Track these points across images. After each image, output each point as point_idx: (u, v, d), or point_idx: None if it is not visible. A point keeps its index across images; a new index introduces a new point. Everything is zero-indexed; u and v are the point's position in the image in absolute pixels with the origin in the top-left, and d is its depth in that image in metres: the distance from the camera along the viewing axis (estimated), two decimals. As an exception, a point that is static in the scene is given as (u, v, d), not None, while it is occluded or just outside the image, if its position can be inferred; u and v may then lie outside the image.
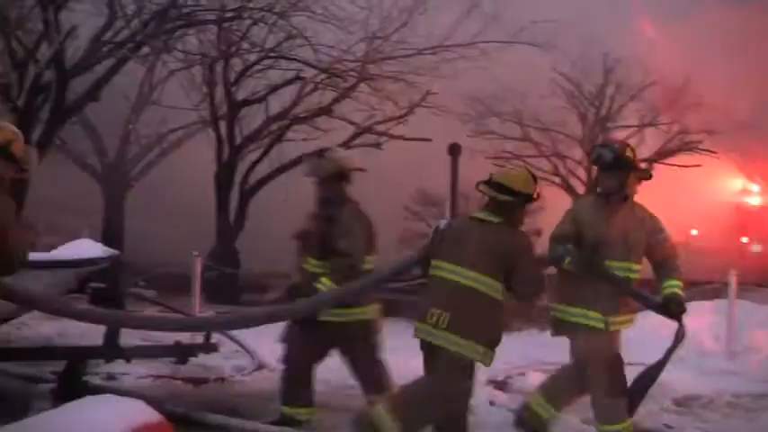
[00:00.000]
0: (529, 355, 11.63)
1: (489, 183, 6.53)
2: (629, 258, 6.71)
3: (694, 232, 26.58)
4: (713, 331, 12.01)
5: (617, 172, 6.76)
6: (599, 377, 6.65)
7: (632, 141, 27.45)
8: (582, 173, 28.43)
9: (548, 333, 13.46)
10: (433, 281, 6.48)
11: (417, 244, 19.37)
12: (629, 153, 6.89)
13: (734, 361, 11.10)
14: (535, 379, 10.13)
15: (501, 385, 9.78)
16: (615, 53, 26.80)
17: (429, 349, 6.38)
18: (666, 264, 6.74)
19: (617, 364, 6.73)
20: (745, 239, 28.04)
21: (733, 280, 12.05)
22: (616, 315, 6.69)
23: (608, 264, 6.63)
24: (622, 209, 6.80)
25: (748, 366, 10.91)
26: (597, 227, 6.75)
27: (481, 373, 10.21)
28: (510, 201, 6.45)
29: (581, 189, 28.12)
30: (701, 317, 11.96)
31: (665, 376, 9.91)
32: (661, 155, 26.86)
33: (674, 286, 6.61)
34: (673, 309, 6.61)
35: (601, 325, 6.62)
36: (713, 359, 11.32)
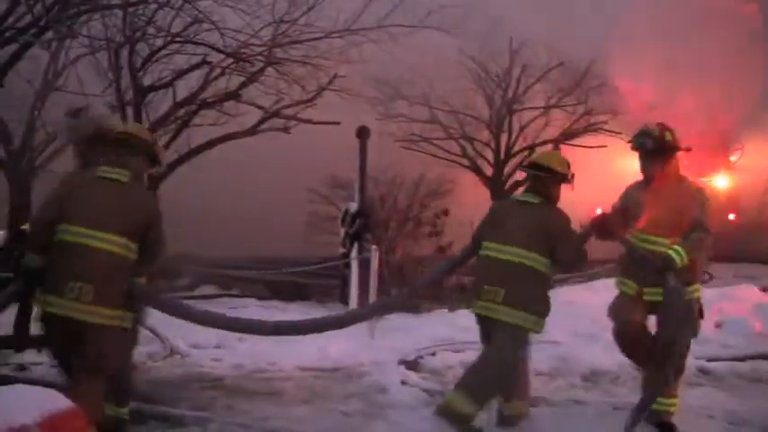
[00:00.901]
0: (439, 336, 11.84)
1: (529, 165, 7.37)
2: (673, 235, 7.02)
3: (599, 211, 27.12)
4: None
5: (659, 157, 7.22)
6: None
7: (538, 123, 28.12)
8: (489, 154, 28.79)
9: (457, 313, 13.81)
10: (483, 260, 7.09)
11: (325, 227, 19.61)
12: (668, 137, 7.27)
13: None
14: (445, 358, 10.37)
15: (412, 365, 9.95)
16: (521, 35, 27.15)
17: (488, 323, 7.01)
18: (688, 234, 7.05)
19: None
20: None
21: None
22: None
23: (655, 240, 7.08)
24: (668, 189, 7.16)
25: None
26: (641, 208, 7.26)
27: (392, 353, 10.47)
28: (547, 177, 7.12)
29: (488, 170, 28.50)
30: (609, 293, 12.29)
31: (572, 351, 10.24)
32: (567, 136, 27.36)
33: (672, 249, 6.96)
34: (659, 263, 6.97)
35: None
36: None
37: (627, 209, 7.37)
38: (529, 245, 6.90)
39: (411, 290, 7.84)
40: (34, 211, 22.50)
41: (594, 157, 24.45)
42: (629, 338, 7.25)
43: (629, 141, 7.45)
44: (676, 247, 6.89)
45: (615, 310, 7.37)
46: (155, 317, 11.99)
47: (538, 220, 6.98)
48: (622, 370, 9.44)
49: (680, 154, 7.31)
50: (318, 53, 20.76)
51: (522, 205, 7.19)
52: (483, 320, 7.07)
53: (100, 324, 5.98)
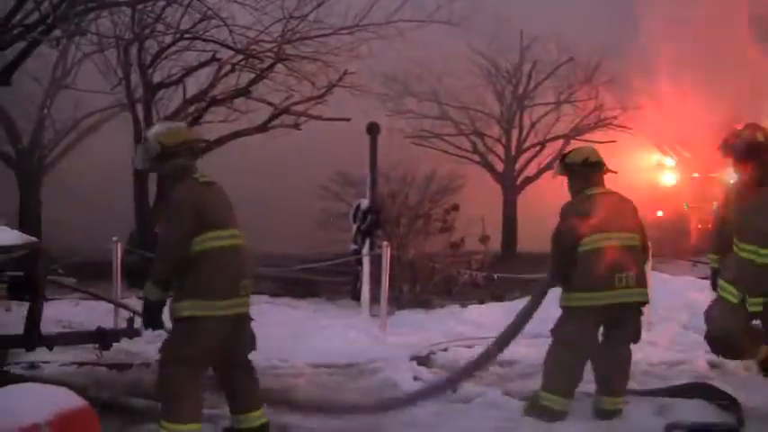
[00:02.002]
0: (450, 332, 11.79)
1: (598, 163, 7.43)
2: (757, 242, 7.03)
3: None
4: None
5: (751, 160, 7.17)
6: None
7: (549, 118, 28.06)
8: (500, 150, 28.75)
9: (469, 309, 13.75)
10: (598, 252, 7.07)
11: (336, 224, 19.53)
12: (760, 138, 7.20)
13: (650, 332, 11.38)
14: (457, 354, 10.31)
15: (424, 361, 9.89)
16: (531, 31, 27.09)
17: (619, 310, 7.11)
18: None
19: None
20: (660, 213, 28.58)
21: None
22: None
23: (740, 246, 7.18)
24: (760, 193, 7.09)
25: (663, 336, 11.18)
26: (734, 213, 7.35)
27: (404, 349, 10.42)
28: (603, 170, 7.45)
29: (500, 166, 28.45)
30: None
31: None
32: (577, 131, 27.29)
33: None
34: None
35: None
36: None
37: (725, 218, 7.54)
38: (634, 227, 7.31)
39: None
40: (42, 209, 22.60)
41: (605, 152, 24.35)
42: (724, 346, 7.49)
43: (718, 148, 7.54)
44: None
45: (713, 317, 7.48)
46: (165, 315, 12.01)
47: (628, 204, 7.43)
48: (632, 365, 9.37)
49: None
50: (328, 49, 20.73)
51: (609, 194, 7.38)
52: (609, 310, 7.07)
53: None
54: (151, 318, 6.34)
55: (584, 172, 7.38)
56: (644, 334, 11.29)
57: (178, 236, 6.14)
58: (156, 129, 6.64)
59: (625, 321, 7.21)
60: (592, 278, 7.00)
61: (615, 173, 7.59)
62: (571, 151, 7.84)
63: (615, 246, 7.10)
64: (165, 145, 6.40)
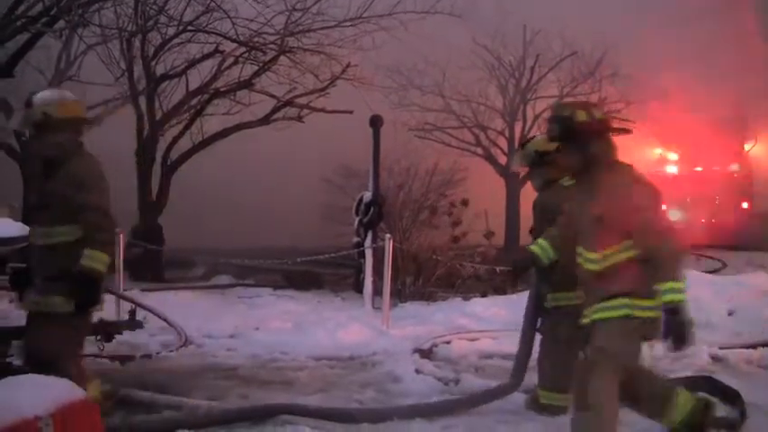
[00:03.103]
0: (453, 324, 11.79)
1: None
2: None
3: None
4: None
5: (570, 144, 5.78)
6: None
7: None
8: (503, 142, 28.73)
9: (471, 302, 13.72)
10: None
11: (339, 216, 19.53)
12: (581, 117, 5.72)
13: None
14: (460, 347, 10.31)
15: (426, 354, 9.88)
16: (534, 24, 27.07)
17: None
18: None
19: None
20: (664, 207, 28.62)
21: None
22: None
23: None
24: (588, 183, 5.82)
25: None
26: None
27: (406, 342, 10.42)
28: None
29: (502, 159, 28.43)
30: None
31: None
32: (581, 124, 27.26)
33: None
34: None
35: None
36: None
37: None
38: None
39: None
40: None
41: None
42: None
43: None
44: None
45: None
46: (168, 306, 12.05)
47: None
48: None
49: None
50: (331, 41, 20.69)
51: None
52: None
53: None
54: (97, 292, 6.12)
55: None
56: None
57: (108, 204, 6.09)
58: (46, 97, 6.27)
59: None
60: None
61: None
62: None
63: None
64: (52, 117, 6.17)
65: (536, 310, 7.34)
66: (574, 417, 5.68)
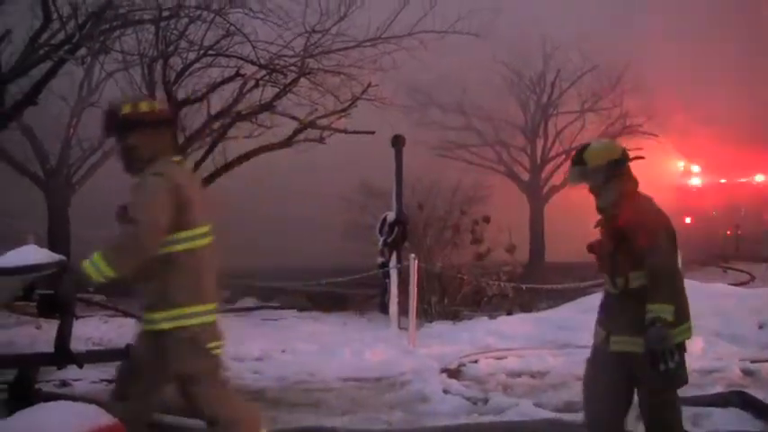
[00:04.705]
0: (480, 343, 11.74)
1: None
2: None
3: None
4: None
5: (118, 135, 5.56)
6: None
7: (574, 127, 27.97)
8: (525, 160, 28.67)
9: (498, 320, 13.68)
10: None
11: (362, 236, 19.52)
12: (143, 108, 5.54)
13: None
14: (488, 365, 10.26)
15: (454, 373, 9.85)
16: (553, 39, 27.03)
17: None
18: None
19: None
20: (688, 220, 28.42)
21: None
22: None
23: None
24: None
25: (695, 344, 11.05)
26: None
27: (433, 361, 10.38)
28: None
29: (525, 176, 28.37)
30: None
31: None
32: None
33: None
34: None
35: None
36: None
37: None
38: None
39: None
40: (71, 227, 22.68)
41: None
42: None
43: None
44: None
45: None
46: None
47: None
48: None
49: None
50: (350, 62, 20.71)
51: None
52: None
53: None
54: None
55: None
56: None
57: None
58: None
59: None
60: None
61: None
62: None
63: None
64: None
65: None
66: None
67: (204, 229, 5.44)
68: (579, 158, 5.78)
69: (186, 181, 5.45)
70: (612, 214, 5.61)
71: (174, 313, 5.32)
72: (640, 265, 5.44)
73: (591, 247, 5.89)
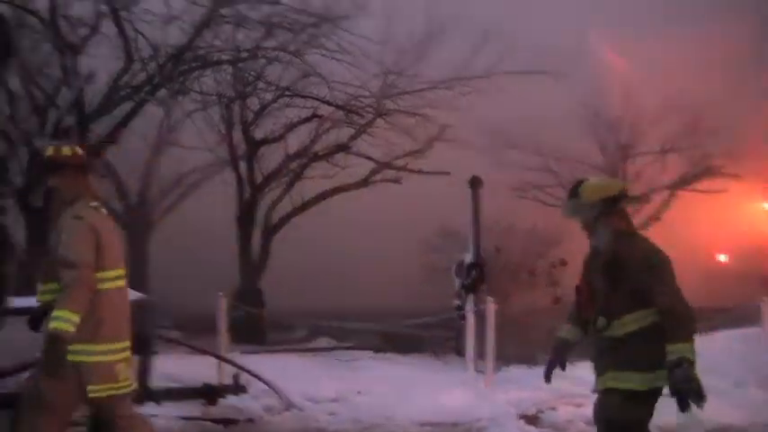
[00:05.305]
0: (558, 389, 11.51)
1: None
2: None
3: (723, 258, 26.22)
4: (747, 361, 11.82)
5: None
6: None
7: (654, 168, 27.53)
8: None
9: (577, 366, 13.37)
10: None
11: (437, 278, 19.40)
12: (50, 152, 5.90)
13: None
14: (566, 412, 10.05)
15: (532, 420, 9.68)
16: (633, 79, 26.74)
17: None
18: None
19: None
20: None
21: (765, 306, 11.88)
22: None
23: None
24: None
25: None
26: None
27: (511, 407, 10.21)
28: None
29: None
30: (731, 345, 11.78)
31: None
32: (684, 181, 26.73)
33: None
34: None
35: None
36: (746, 389, 11.09)
37: None
38: None
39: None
40: (149, 264, 22.99)
41: (713, 202, 23.88)
42: None
43: None
44: None
45: None
46: (269, 369, 12.03)
47: None
48: (750, 425, 9.01)
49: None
50: (426, 103, 20.76)
51: None
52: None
53: None
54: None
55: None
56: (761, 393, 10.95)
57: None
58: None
59: None
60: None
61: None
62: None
63: None
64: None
65: None
66: None
67: (116, 272, 5.75)
68: (575, 191, 5.69)
69: (102, 225, 5.76)
70: (607, 253, 5.49)
71: (77, 348, 5.48)
72: (636, 306, 5.33)
73: (579, 289, 5.75)
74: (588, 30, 23.61)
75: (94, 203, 5.83)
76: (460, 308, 14.92)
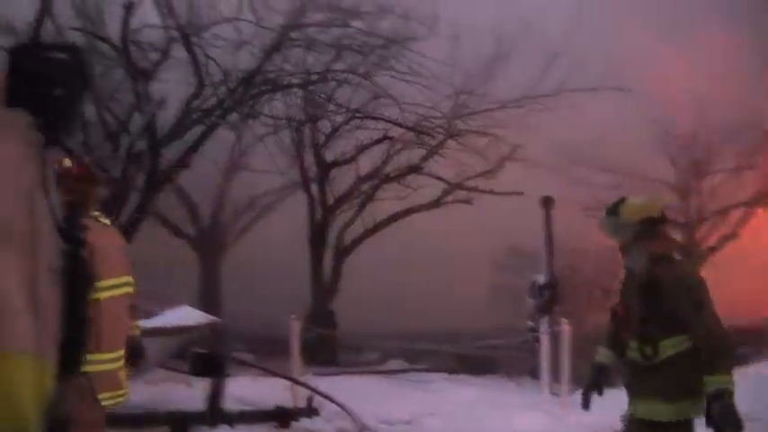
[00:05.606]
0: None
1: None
2: None
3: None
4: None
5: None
6: None
7: (729, 185, 27.06)
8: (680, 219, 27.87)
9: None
10: None
11: (509, 298, 19.26)
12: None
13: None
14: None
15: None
16: (705, 93, 26.33)
17: None
18: None
19: None
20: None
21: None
22: None
23: None
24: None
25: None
26: None
27: (585, 429, 10.03)
28: None
29: (678, 237, 27.58)
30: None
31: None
32: (760, 198, 26.20)
33: None
34: None
35: None
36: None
37: None
38: None
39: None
40: (222, 286, 23.17)
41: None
42: None
43: None
44: None
45: None
46: (342, 391, 12.01)
47: None
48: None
49: None
50: (496, 122, 20.65)
51: None
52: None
53: None
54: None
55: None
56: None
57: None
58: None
59: None
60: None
61: None
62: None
63: None
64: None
65: None
66: None
67: (111, 281, 5.74)
68: (614, 209, 5.50)
69: (97, 235, 5.53)
70: (642, 276, 5.33)
71: None
72: (674, 331, 5.16)
73: (614, 312, 5.63)
74: (659, 45, 23.30)
75: (95, 213, 5.89)
76: (534, 329, 14.77)
